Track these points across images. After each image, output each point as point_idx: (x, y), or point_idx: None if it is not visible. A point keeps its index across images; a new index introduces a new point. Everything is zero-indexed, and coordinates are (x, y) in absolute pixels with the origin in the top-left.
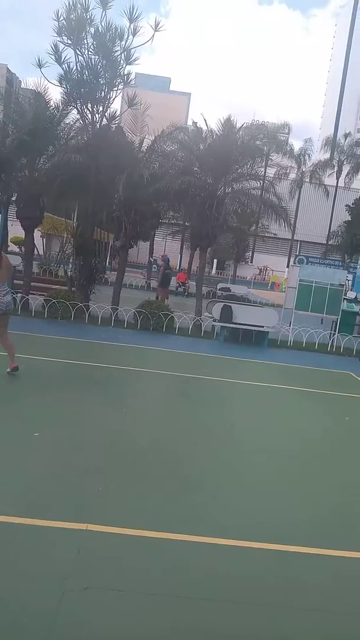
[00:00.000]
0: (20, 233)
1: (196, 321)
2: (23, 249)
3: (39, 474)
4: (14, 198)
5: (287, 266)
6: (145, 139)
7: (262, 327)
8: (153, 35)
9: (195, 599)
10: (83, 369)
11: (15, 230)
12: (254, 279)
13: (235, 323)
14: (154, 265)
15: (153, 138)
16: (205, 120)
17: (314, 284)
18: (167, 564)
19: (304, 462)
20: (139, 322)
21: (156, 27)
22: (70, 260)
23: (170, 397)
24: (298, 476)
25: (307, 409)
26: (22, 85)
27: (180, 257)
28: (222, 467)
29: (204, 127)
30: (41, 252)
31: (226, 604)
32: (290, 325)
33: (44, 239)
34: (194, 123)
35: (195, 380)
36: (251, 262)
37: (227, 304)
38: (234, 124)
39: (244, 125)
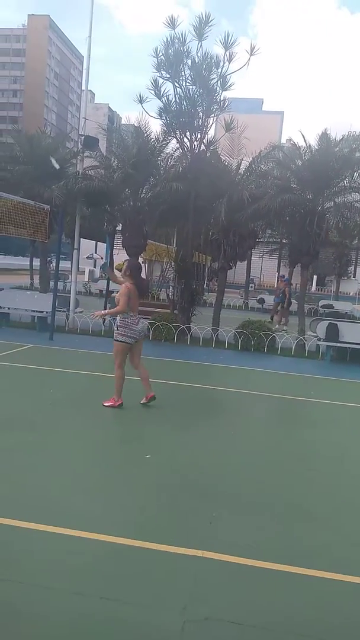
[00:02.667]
0: (125, 259)
1: (299, 340)
2: None
3: (150, 496)
4: (119, 228)
5: None
6: (242, 161)
7: None
8: (249, 60)
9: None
10: (188, 391)
11: (120, 257)
12: (359, 294)
13: (343, 342)
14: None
15: (250, 160)
16: (303, 136)
17: None
18: (287, 598)
19: None
20: (240, 342)
21: (252, 52)
22: (171, 284)
23: (276, 420)
24: None
25: None
26: (123, 122)
27: (278, 275)
28: (339, 497)
29: (301, 144)
30: (144, 277)
31: None
32: None
33: (146, 264)
34: (288, 140)
35: (303, 402)
36: (354, 277)
37: (332, 321)
38: (331, 137)
39: (343, 137)
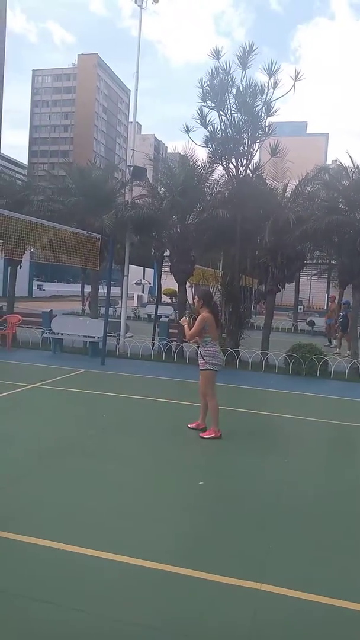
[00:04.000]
0: (172, 284)
1: (353, 364)
2: (174, 299)
3: (204, 524)
4: (166, 254)
5: None
6: (288, 184)
7: None
8: (294, 85)
9: None
10: (239, 417)
11: (167, 283)
12: None
13: None
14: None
15: (296, 182)
16: (350, 156)
17: None
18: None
19: None
20: (291, 366)
21: (296, 77)
22: (219, 308)
23: (332, 447)
24: None
25: None
26: (169, 151)
27: (327, 297)
28: None
29: (348, 164)
30: (191, 302)
31: None
32: None
33: (192, 289)
34: (334, 161)
35: (359, 429)
36: None
37: None
38: None
39: None
